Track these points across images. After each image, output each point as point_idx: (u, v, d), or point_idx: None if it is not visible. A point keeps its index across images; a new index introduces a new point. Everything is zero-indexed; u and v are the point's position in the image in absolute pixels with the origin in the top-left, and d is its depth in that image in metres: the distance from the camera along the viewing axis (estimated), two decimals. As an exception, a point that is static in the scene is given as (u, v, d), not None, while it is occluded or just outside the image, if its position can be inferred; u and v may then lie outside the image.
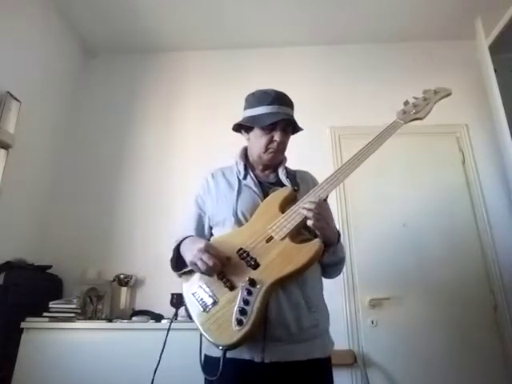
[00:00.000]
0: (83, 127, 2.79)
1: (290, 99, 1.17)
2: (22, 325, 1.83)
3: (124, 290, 2.24)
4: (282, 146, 1.16)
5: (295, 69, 2.87)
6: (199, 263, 0.91)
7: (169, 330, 1.04)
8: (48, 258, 2.27)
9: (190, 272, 1.01)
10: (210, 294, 0.93)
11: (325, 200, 1.03)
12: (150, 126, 2.78)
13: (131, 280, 2.26)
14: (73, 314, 1.96)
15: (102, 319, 2.08)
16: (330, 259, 1.06)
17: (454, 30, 2.75)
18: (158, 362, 1.01)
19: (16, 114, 2.08)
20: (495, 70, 2.37)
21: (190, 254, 0.96)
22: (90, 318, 2.09)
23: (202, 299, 0.94)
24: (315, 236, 1.01)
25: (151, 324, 1.93)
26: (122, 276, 2.25)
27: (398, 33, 2.81)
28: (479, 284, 2.23)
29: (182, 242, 1.05)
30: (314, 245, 0.94)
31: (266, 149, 1.14)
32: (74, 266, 2.31)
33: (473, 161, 2.50)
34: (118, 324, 1.95)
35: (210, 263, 0.90)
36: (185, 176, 2.48)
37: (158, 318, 2.01)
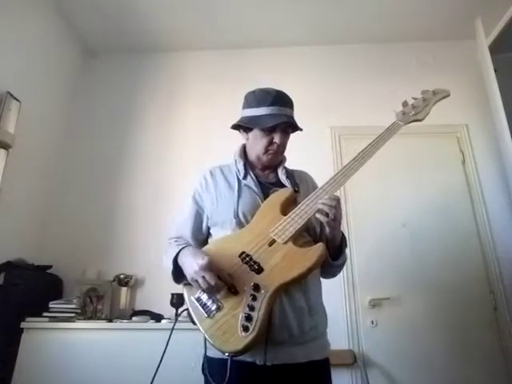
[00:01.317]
0: (83, 127, 2.79)
1: (290, 99, 1.15)
2: (22, 325, 1.83)
3: (124, 290, 2.24)
4: (282, 148, 1.16)
5: (295, 69, 2.87)
6: (200, 281, 0.90)
7: (172, 329, 1.01)
8: (48, 258, 2.27)
9: None
10: (214, 299, 0.91)
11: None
12: (149, 126, 2.78)
13: (131, 280, 2.26)
14: (73, 314, 1.96)
15: (102, 319, 2.09)
16: (338, 262, 1.06)
17: (454, 30, 2.75)
18: (160, 362, 1.00)
19: (16, 114, 2.08)
20: (495, 70, 2.37)
21: (190, 269, 0.93)
22: (90, 318, 2.09)
23: (205, 304, 0.92)
24: (315, 239, 1.01)
25: (151, 324, 1.93)
26: (122, 276, 2.25)
27: (398, 33, 2.81)
28: (479, 284, 2.23)
29: (180, 251, 1.02)
30: (318, 249, 0.93)
31: (266, 150, 1.12)
32: (74, 266, 2.32)
33: (473, 161, 2.50)
34: (117, 324, 1.95)
35: (212, 283, 0.88)
36: (185, 175, 2.47)
37: (157, 318, 2.01)
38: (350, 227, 2.38)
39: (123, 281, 2.24)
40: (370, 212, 2.41)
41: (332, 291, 2.22)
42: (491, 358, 2.09)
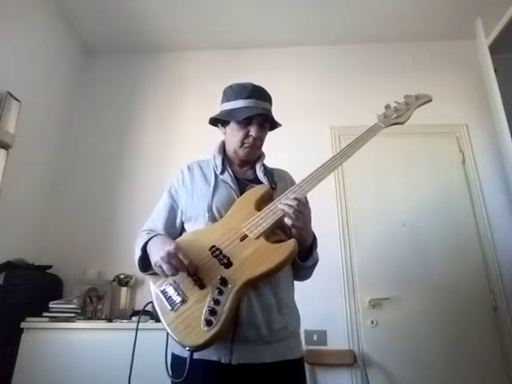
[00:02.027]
0: (83, 127, 2.79)
1: (268, 93, 1.14)
2: (22, 325, 1.83)
3: (124, 290, 2.24)
4: (259, 142, 1.14)
5: (295, 69, 2.87)
6: (165, 267, 0.87)
7: (137, 329, 0.98)
8: (48, 258, 2.28)
9: None
10: (179, 292, 0.88)
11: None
12: (149, 126, 2.78)
13: (131, 280, 2.26)
14: (73, 314, 1.96)
15: (102, 319, 2.09)
16: (307, 263, 1.04)
17: (454, 29, 2.75)
18: (132, 361, 0.97)
19: (16, 114, 2.08)
20: (495, 70, 2.37)
21: (156, 255, 0.91)
22: (90, 318, 2.09)
23: (170, 297, 0.89)
24: (290, 237, 0.99)
25: (151, 324, 1.93)
26: (122, 276, 2.25)
27: (398, 33, 2.81)
28: (479, 284, 2.23)
29: (149, 240, 1.01)
30: (289, 245, 0.91)
31: (242, 143, 1.11)
32: (74, 266, 2.32)
33: (473, 161, 2.50)
34: (117, 324, 1.95)
35: (176, 269, 0.87)
36: (185, 176, 2.48)
37: (157, 318, 2.00)
38: (349, 227, 2.38)
39: (123, 281, 2.24)
40: (369, 212, 2.41)
41: (332, 291, 2.24)
42: (491, 358, 2.09)
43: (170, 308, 0.88)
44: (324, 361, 2.07)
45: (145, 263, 1.00)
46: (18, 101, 2.11)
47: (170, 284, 0.91)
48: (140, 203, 2.52)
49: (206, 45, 2.93)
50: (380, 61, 2.85)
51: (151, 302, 0.93)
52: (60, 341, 1.84)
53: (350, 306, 2.21)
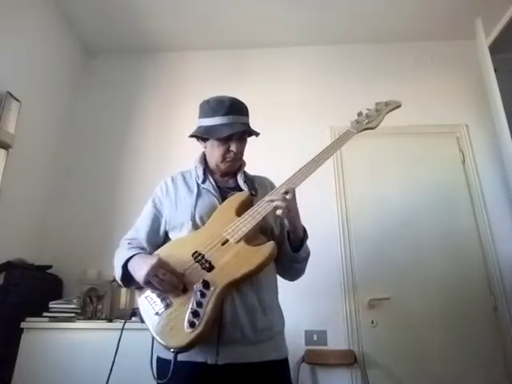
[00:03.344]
0: (83, 127, 2.79)
1: (244, 106, 1.17)
2: (22, 325, 1.83)
3: (124, 290, 2.23)
4: (240, 155, 1.17)
5: (295, 69, 2.87)
6: (155, 280, 0.89)
7: (122, 329, 1.01)
8: (48, 258, 2.27)
9: None
10: (164, 296, 0.92)
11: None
12: (149, 126, 2.78)
13: (131, 280, 2.25)
14: (73, 314, 1.96)
15: (102, 319, 2.08)
16: (300, 254, 1.07)
17: (454, 29, 2.75)
18: (113, 361, 1.00)
19: (16, 114, 2.08)
20: (495, 70, 2.37)
21: (141, 271, 0.91)
22: (90, 318, 2.08)
23: (154, 302, 0.92)
24: (270, 240, 1.02)
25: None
26: (122, 276, 2.24)
27: (398, 33, 2.81)
28: (479, 284, 2.23)
29: (129, 259, 1.01)
30: (269, 247, 0.95)
31: (224, 158, 1.14)
32: (74, 266, 2.31)
33: (473, 161, 2.50)
34: (118, 324, 1.95)
35: (166, 278, 0.89)
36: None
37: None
38: (349, 227, 2.38)
39: (123, 281, 2.24)
40: (369, 212, 2.40)
41: (332, 291, 2.24)
42: (491, 358, 2.09)
43: (154, 312, 0.91)
44: (324, 361, 2.07)
45: (126, 278, 1.02)
46: (18, 101, 2.11)
47: (159, 291, 0.93)
48: (140, 203, 2.50)
49: (206, 45, 2.93)
50: (380, 61, 2.85)
51: (137, 309, 0.96)
52: (60, 341, 1.84)
53: (350, 306, 2.21)
